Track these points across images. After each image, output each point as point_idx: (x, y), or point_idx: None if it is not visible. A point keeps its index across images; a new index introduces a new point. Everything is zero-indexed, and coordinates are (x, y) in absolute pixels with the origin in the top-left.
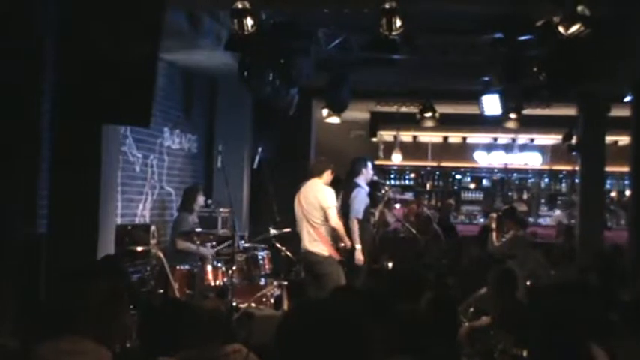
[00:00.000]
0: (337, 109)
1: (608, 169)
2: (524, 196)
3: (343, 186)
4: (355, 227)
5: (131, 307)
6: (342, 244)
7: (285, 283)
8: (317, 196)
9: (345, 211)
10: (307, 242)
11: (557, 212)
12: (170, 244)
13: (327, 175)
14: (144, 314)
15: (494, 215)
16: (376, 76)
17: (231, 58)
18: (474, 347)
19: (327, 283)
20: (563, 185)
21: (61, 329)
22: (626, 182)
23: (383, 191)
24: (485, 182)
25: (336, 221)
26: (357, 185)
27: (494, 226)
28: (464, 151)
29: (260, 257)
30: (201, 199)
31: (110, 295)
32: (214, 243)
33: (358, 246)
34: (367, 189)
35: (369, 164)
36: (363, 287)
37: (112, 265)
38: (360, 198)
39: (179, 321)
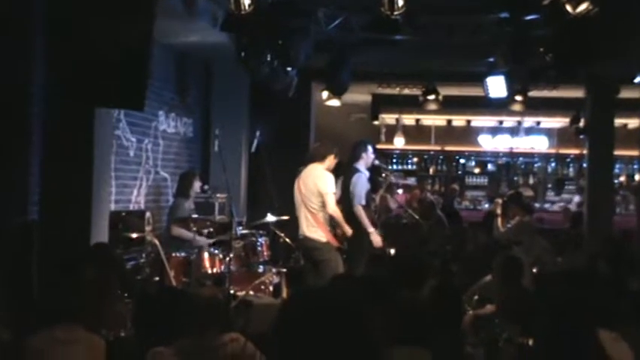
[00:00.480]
0: (337, 92)
1: (617, 152)
2: (531, 181)
3: (343, 171)
4: (362, 213)
5: (126, 295)
6: (339, 231)
7: (284, 270)
8: (316, 181)
9: (345, 197)
10: (305, 228)
11: (577, 198)
12: (166, 231)
13: (330, 160)
14: (139, 303)
15: (499, 200)
16: (378, 58)
17: (228, 39)
18: (478, 336)
19: (325, 269)
20: (571, 170)
21: (54, 319)
22: (636, 166)
23: (384, 175)
24: (490, 166)
25: (333, 208)
26: (357, 170)
27: (499, 211)
28: (468, 134)
29: (258, 244)
30: (197, 185)
31: (101, 284)
32: (211, 230)
33: (371, 229)
34: (367, 174)
35: (370, 148)
36: (363, 275)
37: (104, 252)
38: (361, 183)
39: (175, 309)
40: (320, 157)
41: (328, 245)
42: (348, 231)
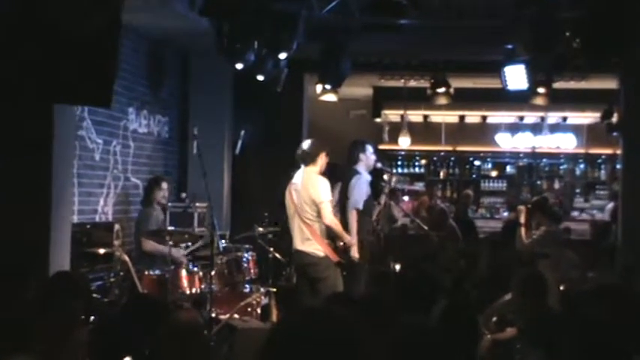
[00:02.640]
0: (334, 85)
1: None
2: (556, 186)
3: (342, 175)
4: (353, 219)
5: (90, 320)
6: (341, 243)
7: (274, 290)
8: (309, 189)
9: (343, 204)
10: (299, 241)
11: (610, 205)
12: (137, 246)
13: (321, 160)
14: (100, 329)
15: (522, 207)
16: (379, 45)
17: (208, 24)
18: None
19: (323, 288)
20: (602, 172)
21: (8, 349)
22: None
23: (387, 180)
24: (509, 169)
25: (330, 218)
26: (356, 172)
27: (523, 220)
28: (484, 132)
29: (244, 260)
30: (161, 193)
31: (63, 317)
32: (189, 244)
33: (354, 241)
34: (369, 177)
35: (369, 148)
36: (364, 294)
37: (67, 282)
38: (360, 186)
39: (146, 336)
40: (310, 159)
41: (326, 260)
42: (351, 241)
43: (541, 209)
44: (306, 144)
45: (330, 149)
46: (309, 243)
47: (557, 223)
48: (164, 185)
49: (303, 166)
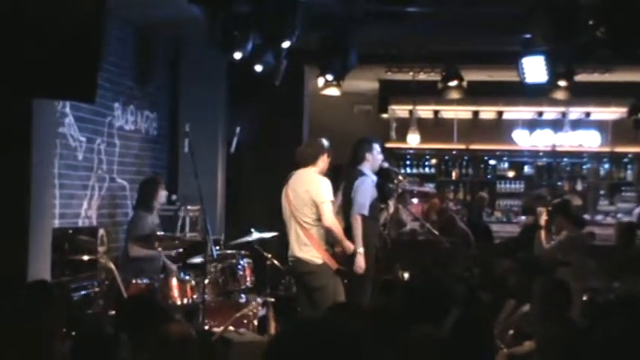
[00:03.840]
0: (337, 78)
1: None
2: (579, 187)
3: (345, 176)
4: (358, 225)
5: (72, 334)
6: (339, 249)
7: (272, 300)
8: (308, 188)
9: (347, 208)
10: (296, 247)
11: (638, 208)
12: (123, 252)
13: (322, 161)
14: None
15: (543, 209)
16: (386, 35)
17: (201, 12)
18: None
19: (321, 299)
20: (629, 172)
21: None
22: None
23: (396, 181)
24: (527, 169)
25: (331, 220)
26: (361, 173)
27: (543, 222)
28: (499, 129)
29: (239, 267)
30: (163, 194)
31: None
32: (181, 250)
33: (360, 249)
34: (375, 178)
35: (376, 147)
36: (370, 305)
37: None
38: (365, 189)
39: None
40: (310, 160)
41: (324, 268)
42: (350, 247)
43: (563, 212)
44: (306, 143)
45: (332, 149)
46: (306, 249)
47: (581, 227)
48: (163, 186)
49: (301, 167)
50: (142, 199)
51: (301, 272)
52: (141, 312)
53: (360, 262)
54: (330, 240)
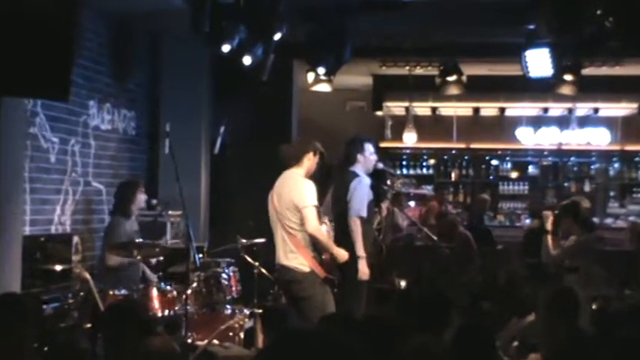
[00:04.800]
0: (328, 73)
1: None
2: (586, 188)
3: (335, 178)
4: (357, 229)
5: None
6: (327, 256)
7: (260, 311)
8: (291, 191)
9: (339, 211)
10: (282, 255)
11: None
12: (100, 261)
13: (309, 161)
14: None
15: (549, 212)
16: (380, 26)
17: (183, 3)
18: None
19: (309, 309)
20: None
21: None
22: None
23: (390, 183)
24: (531, 169)
25: (314, 225)
26: (355, 174)
27: (550, 226)
28: (502, 127)
29: (225, 277)
30: (141, 199)
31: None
32: (161, 258)
33: (362, 254)
34: (369, 180)
35: (369, 147)
36: (365, 315)
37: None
38: (361, 191)
39: None
40: (294, 160)
41: (312, 276)
42: (340, 254)
43: (572, 215)
44: (290, 142)
45: (322, 148)
46: (292, 256)
47: (590, 231)
48: (142, 189)
49: (288, 168)
50: (118, 203)
51: (287, 281)
52: (120, 324)
53: (364, 268)
54: (317, 247)
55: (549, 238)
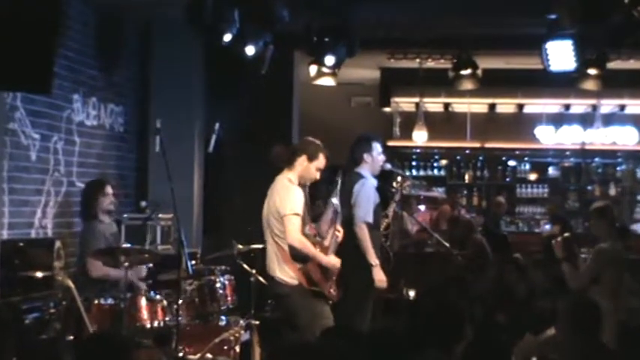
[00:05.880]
0: (332, 66)
1: None
2: (612, 192)
3: (342, 179)
4: (365, 235)
5: None
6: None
7: (257, 322)
8: (275, 196)
9: (345, 217)
10: (272, 265)
11: None
12: (80, 271)
13: (300, 165)
14: None
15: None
16: (388, 15)
17: None
18: None
19: (301, 324)
20: None
21: None
22: None
23: (395, 184)
24: (552, 171)
25: (294, 236)
26: (359, 176)
27: (561, 254)
28: (520, 125)
29: (219, 285)
30: (106, 200)
31: None
32: (150, 265)
33: (375, 261)
34: (375, 182)
35: (377, 146)
36: (371, 328)
37: None
38: (365, 194)
39: None
40: (286, 162)
41: (299, 290)
42: (331, 264)
43: (606, 219)
44: (285, 144)
45: (325, 153)
46: (281, 267)
47: (621, 238)
48: (108, 190)
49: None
50: (83, 207)
51: (277, 294)
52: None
53: (379, 276)
54: (304, 257)
55: (566, 267)
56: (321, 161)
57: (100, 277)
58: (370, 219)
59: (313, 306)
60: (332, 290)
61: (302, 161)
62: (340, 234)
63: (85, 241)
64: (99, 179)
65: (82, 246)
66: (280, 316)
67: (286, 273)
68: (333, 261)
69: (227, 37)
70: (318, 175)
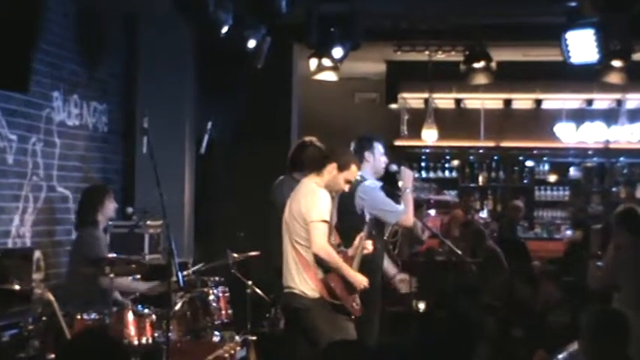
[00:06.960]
0: (334, 59)
1: None
2: (638, 194)
3: None
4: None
5: None
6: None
7: (254, 338)
8: (301, 200)
9: (345, 223)
10: (289, 276)
11: None
12: (70, 280)
13: (329, 174)
14: None
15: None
16: (395, 5)
17: None
18: None
19: (322, 342)
20: None
21: None
22: None
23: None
24: (573, 172)
25: (320, 244)
26: (361, 177)
27: (597, 250)
28: (538, 122)
29: (213, 298)
30: (111, 208)
31: None
32: (138, 277)
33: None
34: (378, 184)
35: (378, 146)
36: (379, 342)
37: None
38: (375, 191)
39: None
40: (315, 166)
41: (321, 303)
42: (358, 282)
43: (631, 224)
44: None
45: (357, 164)
46: (300, 278)
47: None
48: (111, 199)
49: (308, 173)
50: (83, 213)
51: (294, 308)
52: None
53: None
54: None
55: (597, 264)
56: (351, 173)
57: (124, 288)
58: (404, 214)
59: (335, 321)
60: (355, 305)
61: (331, 169)
62: (369, 246)
63: (87, 248)
64: (103, 185)
65: (74, 254)
66: (295, 330)
67: (307, 284)
68: (359, 279)
69: (224, 29)
70: (346, 188)
